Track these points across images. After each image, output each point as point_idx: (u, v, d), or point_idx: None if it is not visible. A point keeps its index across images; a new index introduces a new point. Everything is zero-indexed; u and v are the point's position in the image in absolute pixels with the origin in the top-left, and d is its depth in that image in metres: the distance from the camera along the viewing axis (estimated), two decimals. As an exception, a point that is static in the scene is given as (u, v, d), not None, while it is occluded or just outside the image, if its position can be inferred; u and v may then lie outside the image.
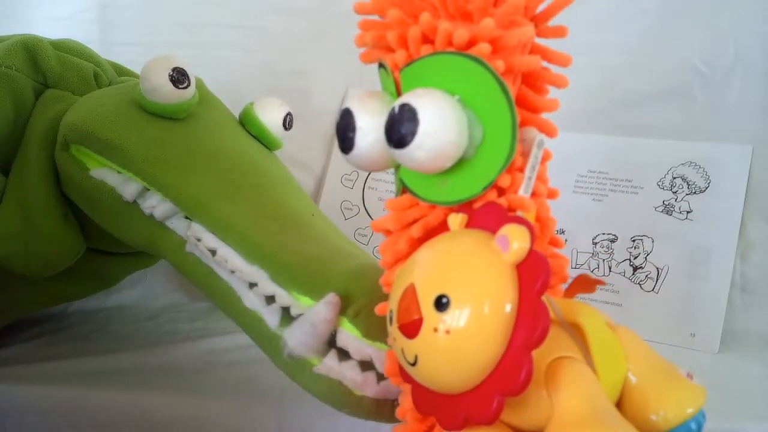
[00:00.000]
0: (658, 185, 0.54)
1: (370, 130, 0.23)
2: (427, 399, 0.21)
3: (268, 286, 0.32)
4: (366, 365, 0.29)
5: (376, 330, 0.29)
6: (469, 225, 0.22)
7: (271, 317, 0.31)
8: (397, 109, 0.21)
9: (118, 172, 0.37)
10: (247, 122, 0.43)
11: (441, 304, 0.19)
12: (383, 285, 0.25)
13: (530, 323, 0.18)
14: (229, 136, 0.41)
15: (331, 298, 0.29)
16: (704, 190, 0.53)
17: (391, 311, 0.21)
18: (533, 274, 0.19)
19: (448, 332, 0.19)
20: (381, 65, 0.25)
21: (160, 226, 0.36)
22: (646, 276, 0.51)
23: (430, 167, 0.22)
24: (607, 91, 0.57)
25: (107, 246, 0.46)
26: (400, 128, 0.21)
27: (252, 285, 0.33)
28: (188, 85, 0.38)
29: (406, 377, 0.22)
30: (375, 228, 0.25)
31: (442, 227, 0.23)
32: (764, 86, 0.54)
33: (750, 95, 0.55)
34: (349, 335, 0.29)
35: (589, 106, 0.57)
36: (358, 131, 0.23)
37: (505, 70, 0.22)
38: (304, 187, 0.59)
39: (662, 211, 0.53)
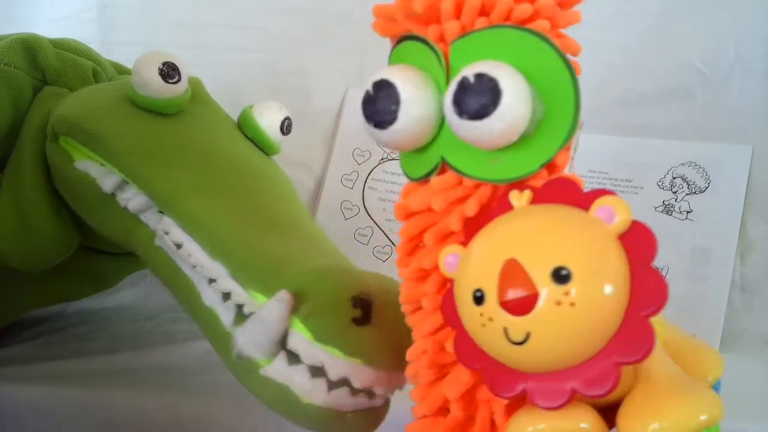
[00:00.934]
0: (658, 185, 0.54)
1: (414, 103, 0.22)
2: (510, 379, 0.20)
3: (226, 282, 0.31)
4: (317, 371, 0.28)
5: (328, 333, 0.27)
6: (533, 201, 0.21)
7: (226, 315, 0.30)
8: (472, 79, 0.20)
9: (102, 165, 0.37)
10: (244, 125, 0.42)
11: (561, 276, 0.18)
12: (415, 272, 0.24)
13: (649, 290, 0.19)
14: (220, 136, 0.40)
15: (282, 294, 0.27)
16: (704, 190, 0.53)
17: (479, 291, 0.20)
18: (642, 243, 0.19)
19: (572, 304, 0.18)
20: (406, 38, 0.24)
21: (135, 220, 0.36)
22: (646, 276, 0.51)
23: (500, 141, 0.21)
24: (607, 91, 0.57)
25: (102, 244, 0.46)
26: (480, 98, 0.20)
27: (212, 281, 0.31)
28: (179, 80, 0.38)
29: (470, 361, 0.21)
30: (407, 208, 0.24)
31: (489, 206, 0.22)
32: (764, 86, 0.54)
33: (750, 95, 0.55)
34: (301, 337, 0.28)
35: (589, 106, 0.56)
36: (402, 104, 0.22)
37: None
38: (304, 187, 0.59)
39: (662, 211, 0.53)
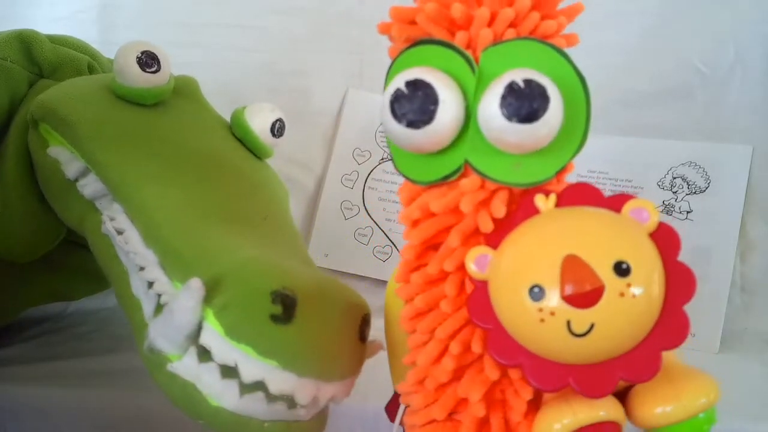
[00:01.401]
0: (658, 185, 0.54)
1: (452, 104, 0.22)
2: (556, 372, 0.21)
3: (153, 271, 0.29)
4: (229, 372, 0.25)
5: (241, 329, 0.25)
6: (557, 205, 0.22)
7: (148, 305, 0.28)
8: (522, 84, 0.21)
9: (71, 152, 0.36)
10: (234, 126, 0.41)
11: (622, 269, 0.20)
12: (432, 275, 0.24)
13: (682, 282, 0.20)
14: (200, 133, 0.39)
15: (192, 282, 0.25)
16: (704, 190, 0.53)
17: (537, 286, 0.20)
18: (670, 240, 0.21)
19: (634, 296, 0.20)
20: (425, 42, 0.24)
21: (91, 207, 0.35)
22: (646, 276, 0.51)
23: (540, 145, 0.22)
24: (607, 91, 0.57)
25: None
26: (532, 102, 0.21)
27: (141, 269, 0.29)
28: (157, 70, 0.37)
29: (509, 357, 0.21)
30: (426, 210, 0.24)
31: (510, 209, 0.23)
32: (764, 86, 0.54)
33: (750, 95, 0.55)
34: (213, 332, 0.25)
35: (589, 106, 0.57)
36: (440, 104, 0.22)
37: None
38: (304, 187, 0.59)
39: (662, 211, 0.53)
